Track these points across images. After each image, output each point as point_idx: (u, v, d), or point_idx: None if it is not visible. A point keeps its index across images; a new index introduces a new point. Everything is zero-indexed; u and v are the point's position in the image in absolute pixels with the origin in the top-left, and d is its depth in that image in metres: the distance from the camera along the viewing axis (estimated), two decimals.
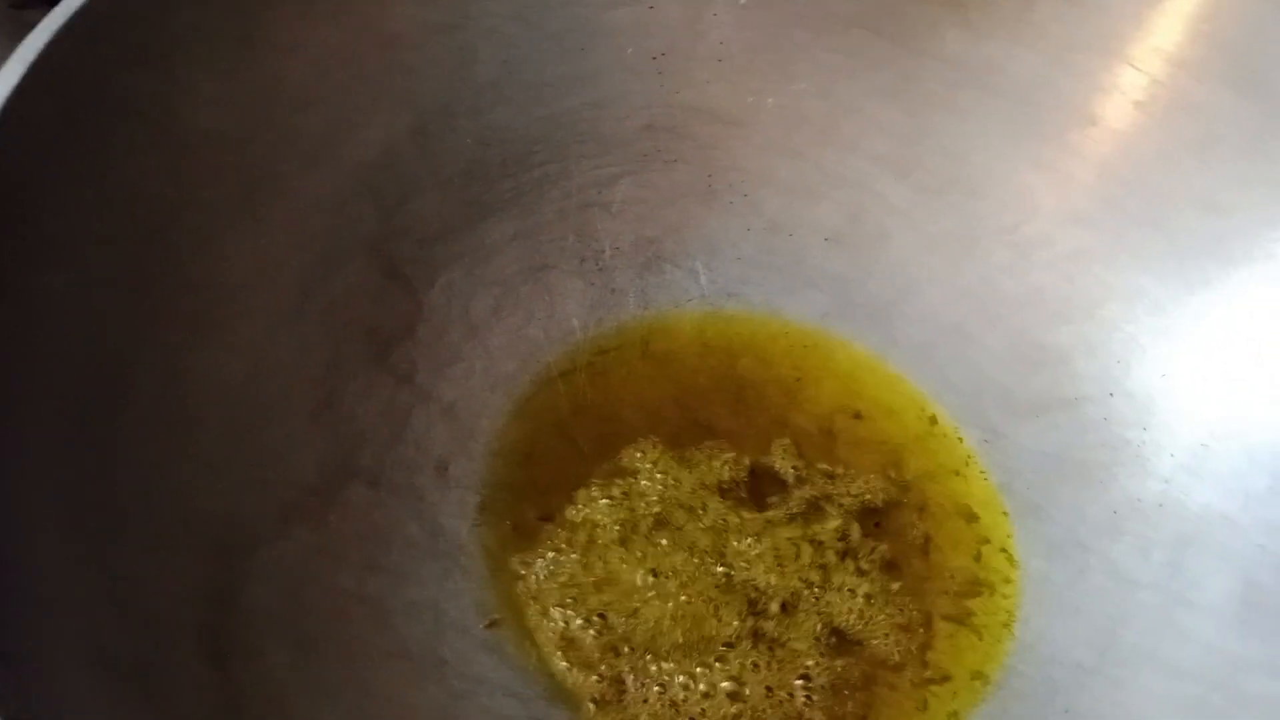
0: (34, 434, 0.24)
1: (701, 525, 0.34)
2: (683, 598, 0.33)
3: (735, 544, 0.34)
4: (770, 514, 0.35)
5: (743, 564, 0.34)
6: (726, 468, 0.36)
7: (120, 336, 0.27)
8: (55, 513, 0.24)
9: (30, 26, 0.49)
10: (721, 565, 0.33)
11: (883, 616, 0.33)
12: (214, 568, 0.27)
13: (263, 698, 0.25)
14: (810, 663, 0.32)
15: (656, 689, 0.31)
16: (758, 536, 0.34)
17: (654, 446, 0.36)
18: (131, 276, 0.28)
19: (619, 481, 0.35)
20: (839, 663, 0.32)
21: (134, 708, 0.22)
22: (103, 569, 0.24)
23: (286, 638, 0.27)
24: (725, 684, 0.31)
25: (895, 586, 0.34)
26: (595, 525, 0.34)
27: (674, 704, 0.31)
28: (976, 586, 0.35)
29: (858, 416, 0.38)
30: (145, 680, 0.23)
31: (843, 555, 0.35)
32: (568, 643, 0.32)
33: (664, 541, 0.34)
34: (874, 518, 0.36)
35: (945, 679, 0.33)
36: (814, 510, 0.36)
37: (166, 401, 0.28)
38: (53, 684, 0.21)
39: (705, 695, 0.31)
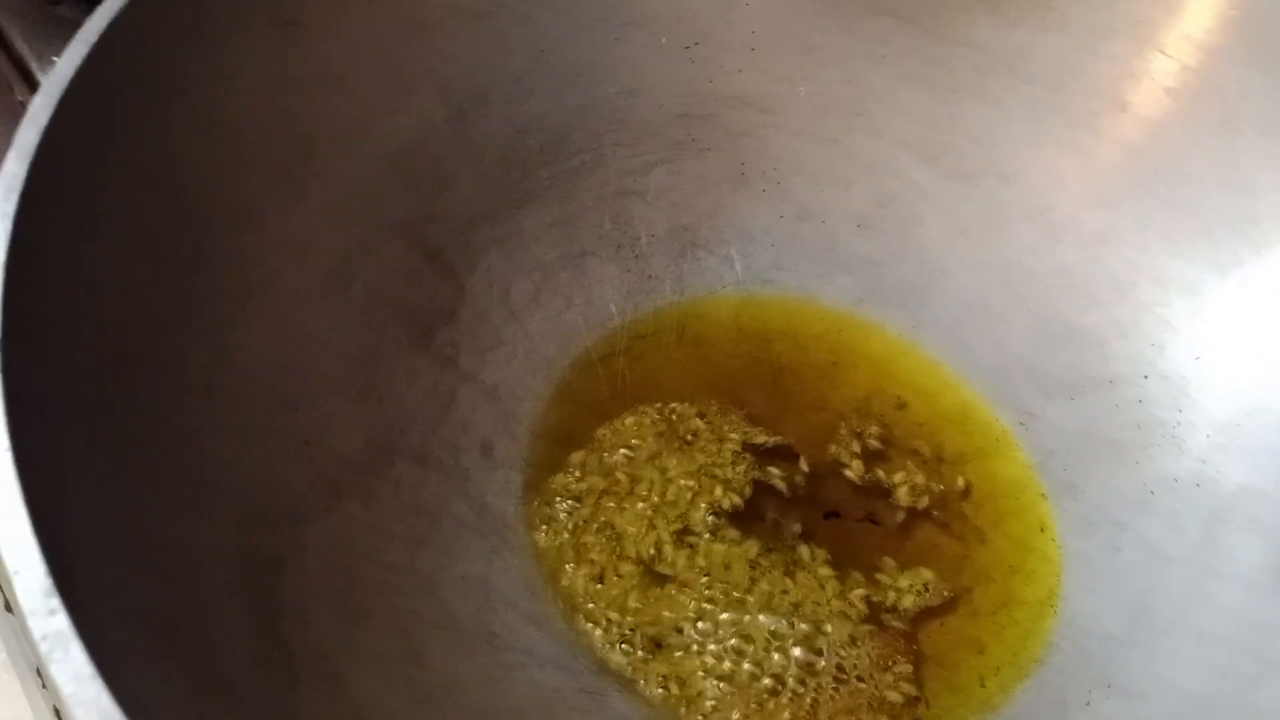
0: (74, 396, 0.24)
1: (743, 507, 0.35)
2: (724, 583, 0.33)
3: (775, 520, 0.34)
4: (807, 492, 0.35)
5: (784, 540, 0.34)
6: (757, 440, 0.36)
7: (163, 308, 0.28)
8: (95, 474, 0.24)
9: (64, 22, 0.50)
10: (763, 542, 0.34)
11: (926, 596, 0.34)
12: (261, 536, 0.27)
13: (315, 664, 0.26)
14: (856, 640, 0.32)
15: (703, 659, 0.31)
16: (797, 512, 0.35)
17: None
18: (175, 251, 0.29)
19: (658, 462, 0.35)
20: (884, 641, 0.32)
21: (176, 664, 0.22)
22: (156, 539, 0.24)
23: (337, 607, 0.28)
24: (777, 662, 0.32)
25: (937, 567, 0.34)
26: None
27: (719, 675, 0.31)
28: (1017, 566, 0.35)
29: (900, 405, 0.39)
30: (188, 638, 0.23)
31: (883, 536, 0.35)
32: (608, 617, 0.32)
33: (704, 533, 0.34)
34: (912, 500, 0.36)
35: (989, 656, 0.33)
36: (855, 491, 0.36)
37: (207, 374, 0.28)
38: (95, 636, 0.21)
39: (746, 659, 0.31)
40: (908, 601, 0.33)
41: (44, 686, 0.33)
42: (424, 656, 0.29)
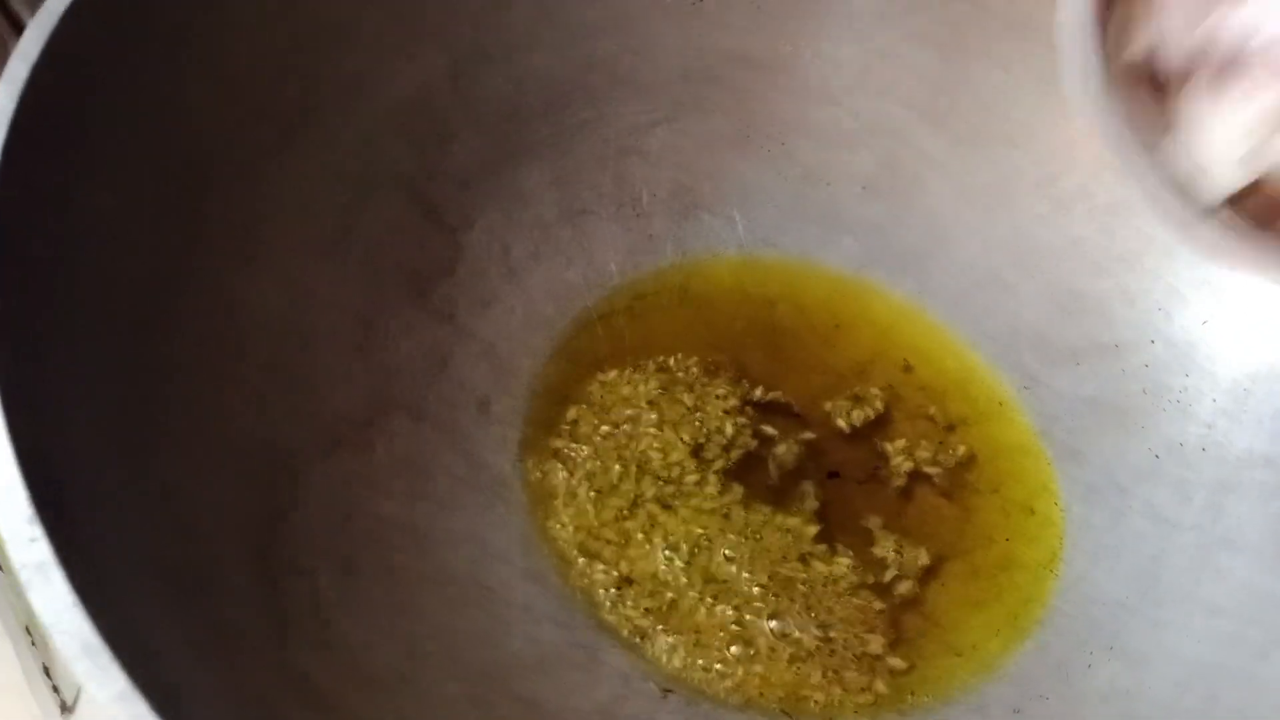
0: (85, 345, 0.24)
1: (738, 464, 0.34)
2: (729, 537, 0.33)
3: (774, 478, 0.34)
4: (808, 452, 0.35)
5: (782, 501, 0.34)
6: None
7: (168, 259, 0.28)
8: (107, 424, 0.24)
9: None
10: (759, 501, 0.34)
11: (927, 559, 0.33)
12: (262, 488, 0.27)
13: (309, 614, 0.26)
14: (855, 603, 0.32)
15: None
16: (797, 472, 0.34)
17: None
18: (180, 201, 0.28)
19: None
20: (884, 603, 0.32)
21: (187, 612, 0.22)
22: (154, 481, 0.24)
23: (333, 559, 0.27)
24: (771, 624, 0.31)
25: (938, 529, 0.34)
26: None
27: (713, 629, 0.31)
28: (1019, 529, 0.35)
29: (906, 369, 0.38)
30: (198, 588, 0.23)
31: (883, 499, 0.35)
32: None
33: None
34: (914, 463, 0.36)
35: (989, 618, 0.33)
36: (856, 453, 0.36)
37: (210, 324, 0.28)
38: (81, 568, 0.20)
39: (741, 621, 0.31)
40: (902, 569, 0.33)
41: (34, 644, 0.33)
42: (419, 609, 0.29)
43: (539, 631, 0.30)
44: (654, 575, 0.32)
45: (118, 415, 0.24)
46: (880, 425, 0.36)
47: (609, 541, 0.32)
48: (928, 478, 0.36)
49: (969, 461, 0.36)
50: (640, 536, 0.32)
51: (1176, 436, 0.36)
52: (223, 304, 0.29)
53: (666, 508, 0.33)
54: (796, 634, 0.31)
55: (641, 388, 0.36)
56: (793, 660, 0.31)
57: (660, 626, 0.31)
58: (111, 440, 0.24)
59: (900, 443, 0.36)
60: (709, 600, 0.31)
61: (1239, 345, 0.36)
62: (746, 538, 0.33)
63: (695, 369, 0.36)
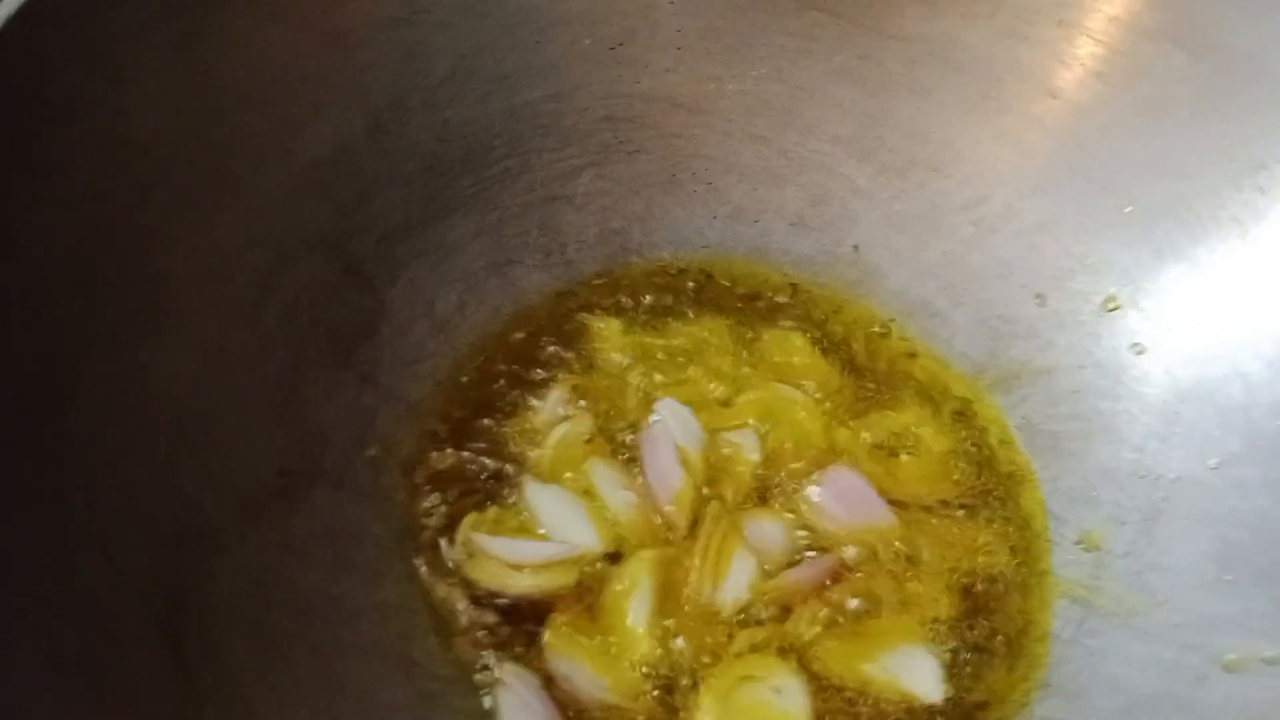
0: None
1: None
2: None
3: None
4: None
5: None
6: None
7: (69, 330, 0.27)
8: (9, 509, 0.23)
9: None
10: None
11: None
12: (172, 565, 0.27)
13: (225, 694, 0.25)
14: None
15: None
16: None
17: None
18: (81, 271, 0.28)
19: None
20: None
21: (89, 706, 0.22)
22: (53, 564, 0.24)
23: (251, 635, 0.27)
24: None
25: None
26: None
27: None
28: None
29: None
30: (102, 678, 0.23)
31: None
32: None
33: None
34: None
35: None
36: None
37: (115, 396, 0.28)
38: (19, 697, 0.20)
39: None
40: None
41: None
42: (343, 683, 0.28)
43: (467, 704, 0.29)
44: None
45: (14, 494, 0.24)
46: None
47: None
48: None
49: None
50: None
51: (1109, 462, 0.35)
52: (126, 372, 0.28)
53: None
54: None
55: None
56: None
57: None
58: (12, 533, 0.23)
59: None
60: None
61: (1168, 368, 0.36)
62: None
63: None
